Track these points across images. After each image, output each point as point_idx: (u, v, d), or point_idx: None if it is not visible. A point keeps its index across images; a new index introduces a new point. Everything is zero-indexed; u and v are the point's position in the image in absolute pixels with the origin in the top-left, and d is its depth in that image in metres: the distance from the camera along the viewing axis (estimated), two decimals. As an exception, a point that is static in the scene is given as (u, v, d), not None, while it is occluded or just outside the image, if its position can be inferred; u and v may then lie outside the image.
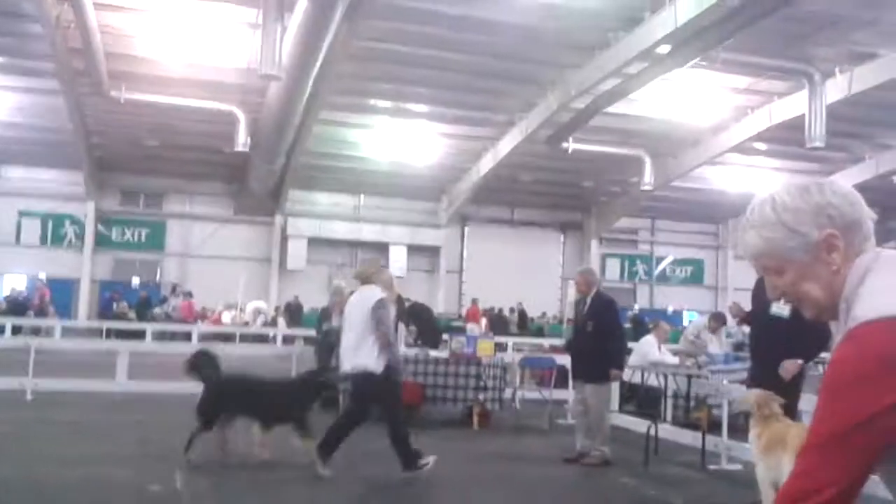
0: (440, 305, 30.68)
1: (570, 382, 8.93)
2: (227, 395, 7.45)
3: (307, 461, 6.92)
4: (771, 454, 5.64)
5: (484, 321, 27.54)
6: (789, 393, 6.17)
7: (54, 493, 5.94)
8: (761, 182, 31.07)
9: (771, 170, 29.71)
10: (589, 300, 8.07)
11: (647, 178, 27.33)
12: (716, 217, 36.45)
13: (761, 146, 27.01)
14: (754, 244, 1.63)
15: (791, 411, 6.17)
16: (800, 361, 6.12)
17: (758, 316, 6.42)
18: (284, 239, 31.04)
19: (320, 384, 7.91)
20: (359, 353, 6.90)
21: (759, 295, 6.24)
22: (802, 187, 1.60)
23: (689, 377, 9.34)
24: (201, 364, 7.59)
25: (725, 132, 25.52)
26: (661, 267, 36.99)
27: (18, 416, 9.62)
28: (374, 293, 7.15)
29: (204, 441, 7.09)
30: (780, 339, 6.02)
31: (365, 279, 7.36)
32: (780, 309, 5.87)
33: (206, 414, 7.22)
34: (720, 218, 36.64)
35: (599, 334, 7.88)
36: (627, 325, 29.03)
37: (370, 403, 7.02)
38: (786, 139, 24.35)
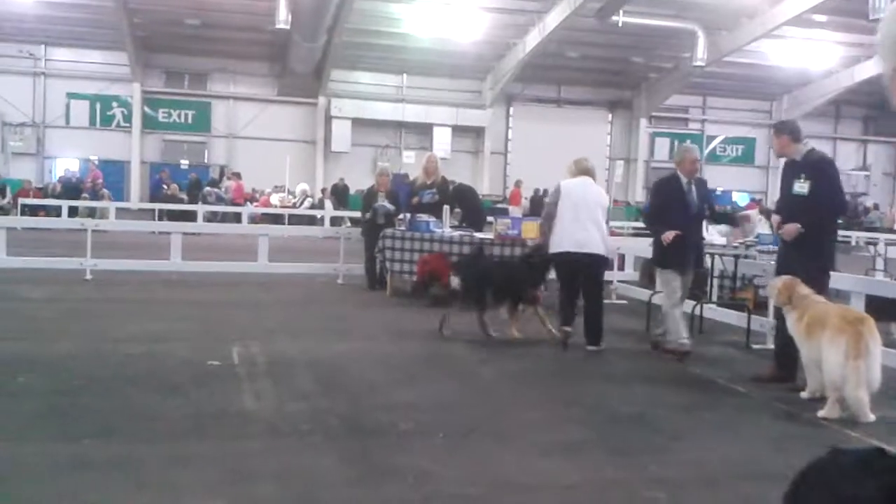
0: (485, 187, 30.63)
1: (659, 271, 8.02)
2: (487, 280, 8.14)
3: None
4: (812, 336, 5.69)
5: (526, 203, 27.54)
6: (812, 270, 6.31)
7: (119, 368, 6.23)
8: (819, 57, 29.80)
9: (830, 43, 28.42)
10: (694, 182, 7.61)
11: (700, 54, 26.38)
12: (770, 94, 35.27)
13: (821, 18, 25.72)
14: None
15: (820, 289, 6.25)
16: (798, 225, 6.38)
17: (783, 197, 6.75)
18: (328, 120, 30.95)
19: (545, 265, 8.24)
20: (598, 239, 7.72)
21: (785, 177, 6.69)
22: None
23: (736, 257, 9.29)
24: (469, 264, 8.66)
25: (783, 3, 24.32)
26: (711, 146, 36.14)
27: (79, 295, 10.02)
28: (599, 188, 8.16)
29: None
30: (800, 216, 6.40)
31: (584, 171, 8.04)
32: (801, 188, 6.38)
33: (468, 297, 8.06)
34: (774, 94, 35.45)
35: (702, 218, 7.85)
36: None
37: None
38: (847, 10, 23.12)
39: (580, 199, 7.80)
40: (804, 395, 5.97)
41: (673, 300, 7.47)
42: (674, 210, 7.54)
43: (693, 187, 7.55)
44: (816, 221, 6.42)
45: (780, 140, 6.70)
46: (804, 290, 6.01)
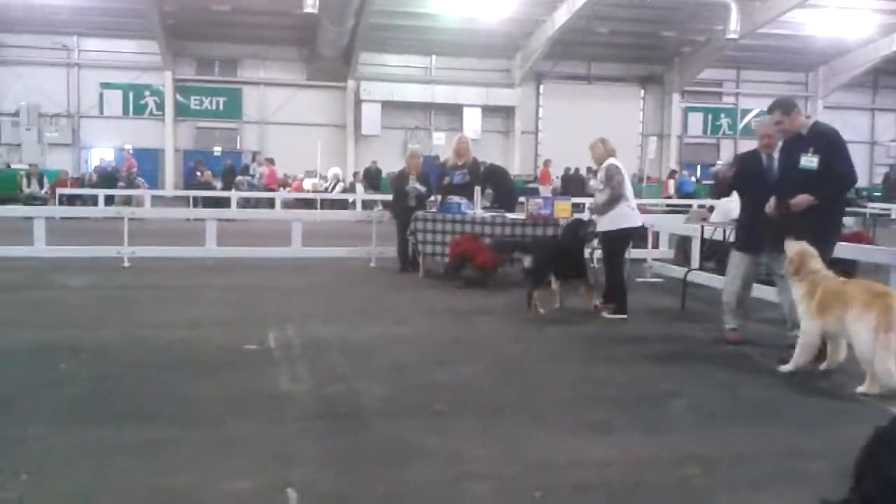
0: (516, 167, 30.56)
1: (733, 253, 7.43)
2: (550, 258, 8.48)
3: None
4: (829, 313, 5.67)
5: (557, 182, 27.43)
6: (821, 245, 6.16)
7: (158, 353, 6.34)
8: (856, 25, 29.13)
9: (868, 11, 27.78)
10: (776, 156, 7.00)
11: (733, 26, 25.98)
12: (805, 65, 34.63)
13: (858, -15, 25.17)
14: None
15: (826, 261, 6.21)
16: (809, 196, 6.27)
17: (787, 172, 6.59)
18: (358, 104, 31.01)
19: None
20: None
21: (788, 150, 6.58)
22: None
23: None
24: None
25: (819, -29, 23.81)
26: (746, 120, 35.63)
27: (118, 283, 10.18)
28: None
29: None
30: (810, 190, 6.29)
31: (612, 152, 8.52)
32: (810, 161, 6.31)
33: (537, 276, 8.31)
34: (810, 65, 34.79)
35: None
36: (710, 182, 28.47)
37: None
38: (886, -24, 22.59)
39: (626, 179, 8.40)
40: (785, 368, 5.99)
41: (730, 279, 7.22)
42: (749, 186, 7.23)
43: (774, 162, 7.08)
44: (829, 195, 6.30)
45: (792, 117, 6.52)
46: (816, 264, 5.96)
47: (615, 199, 8.22)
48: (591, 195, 8.81)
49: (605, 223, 8.28)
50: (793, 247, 6.10)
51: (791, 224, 6.35)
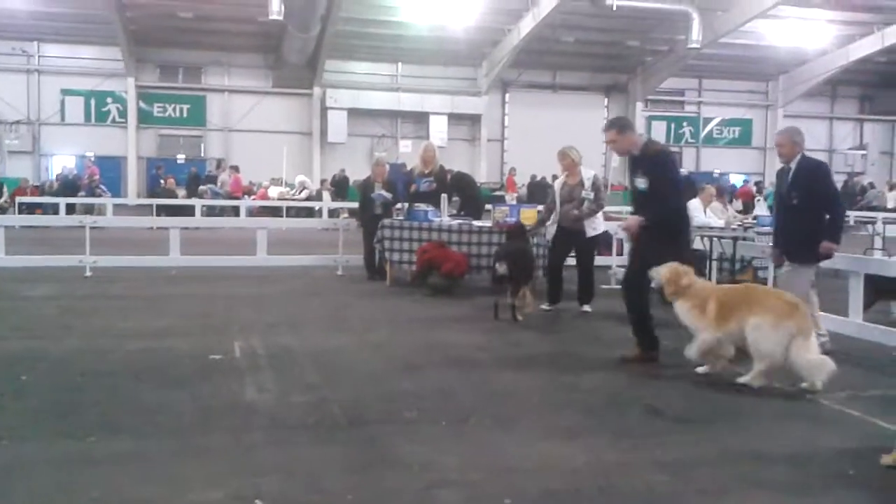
0: (482, 175, 30.63)
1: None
2: (524, 265, 8.54)
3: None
4: (729, 319, 5.91)
5: (524, 190, 27.61)
6: (668, 256, 6.34)
7: (122, 364, 6.26)
8: (814, 36, 29.73)
9: (825, 22, 28.35)
10: (794, 166, 6.80)
11: (695, 35, 26.33)
12: (766, 74, 35.24)
13: (816, -4, 25.70)
14: None
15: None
16: (639, 218, 6.56)
17: (632, 192, 6.85)
18: (324, 111, 30.89)
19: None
20: None
21: (630, 171, 6.77)
22: None
23: (735, 240, 9.31)
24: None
25: (779, -19, 24.28)
26: (708, 128, 36.16)
27: (79, 292, 10.04)
28: None
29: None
30: (643, 211, 6.59)
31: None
32: (641, 184, 6.54)
33: (515, 283, 8.36)
34: (770, 75, 35.40)
35: (807, 208, 6.72)
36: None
37: None
38: (842, -12, 23.10)
39: None
40: (703, 370, 6.23)
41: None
42: (778, 198, 7.20)
43: (792, 173, 6.79)
44: (658, 217, 6.44)
45: (626, 136, 6.66)
46: (689, 278, 6.18)
47: (602, 208, 9.09)
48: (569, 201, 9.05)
49: (591, 229, 9.02)
50: (660, 271, 6.28)
51: (646, 246, 6.54)
